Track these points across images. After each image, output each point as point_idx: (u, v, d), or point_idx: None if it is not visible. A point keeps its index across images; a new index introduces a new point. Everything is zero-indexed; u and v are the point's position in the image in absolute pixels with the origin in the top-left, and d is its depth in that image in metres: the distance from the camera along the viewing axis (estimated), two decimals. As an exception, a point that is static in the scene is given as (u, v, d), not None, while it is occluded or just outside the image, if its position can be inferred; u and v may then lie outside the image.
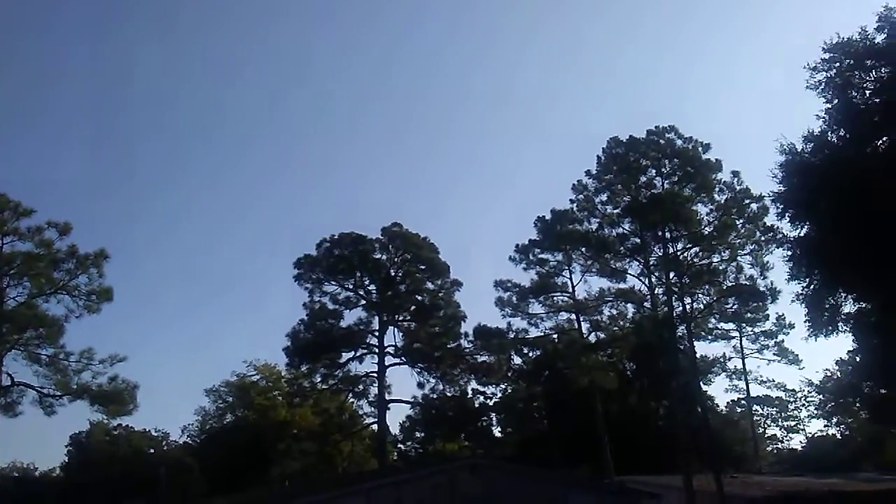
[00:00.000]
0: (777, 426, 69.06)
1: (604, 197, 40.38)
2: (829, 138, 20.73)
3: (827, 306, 21.50)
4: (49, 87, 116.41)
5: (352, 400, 54.90)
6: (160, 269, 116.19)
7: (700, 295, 39.28)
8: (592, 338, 46.67)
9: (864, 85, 20.70)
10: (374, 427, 52.83)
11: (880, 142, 20.33)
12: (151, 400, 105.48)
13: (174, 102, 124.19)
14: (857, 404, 49.48)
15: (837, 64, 20.55)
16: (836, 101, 20.53)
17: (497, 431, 63.86)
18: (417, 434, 65.87)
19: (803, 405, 66.53)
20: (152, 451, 71.18)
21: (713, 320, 41.50)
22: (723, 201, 38.36)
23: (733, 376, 57.20)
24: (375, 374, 51.03)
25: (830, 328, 21.77)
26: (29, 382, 37.22)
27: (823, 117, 20.69)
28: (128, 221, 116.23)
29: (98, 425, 65.64)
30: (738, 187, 38.23)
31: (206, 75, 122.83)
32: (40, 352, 37.23)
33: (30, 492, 62.33)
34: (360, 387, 52.41)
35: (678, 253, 38.49)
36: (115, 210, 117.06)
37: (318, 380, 52.62)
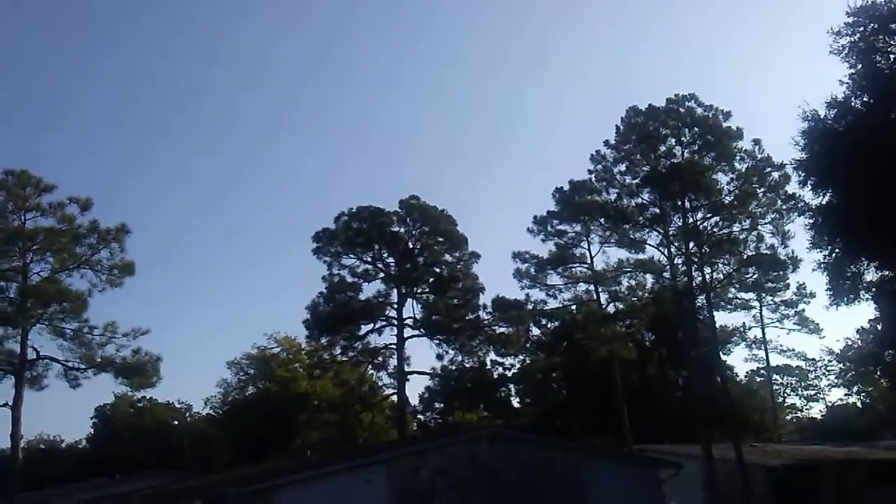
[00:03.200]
0: (797, 395, 69.05)
1: (622, 167, 40.13)
2: (852, 104, 20.41)
3: (849, 274, 21.33)
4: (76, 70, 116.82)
5: (371, 372, 55.33)
6: (182, 243, 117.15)
7: (720, 265, 39.17)
8: (611, 308, 46.70)
9: (889, 49, 20.32)
10: (394, 398, 53.28)
11: (905, 107, 20.01)
12: (174, 372, 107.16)
13: (202, 83, 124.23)
14: (878, 373, 49.24)
15: (861, 28, 20.16)
16: (859, 66, 20.18)
17: (516, 402, 64.29)
18: (437, 405, 66.36)
19: (823, 374, 66.44)
20: (176, 422, 72.30)
21: (733, 290, 41.39)
22: (744, 170, 38.03)
23: (753, 346, 56.97)
24: (395, 346, 51.36)
25: (852, 296, 21.62)
26: (54, 356, 37.91)
27: (847, 83, 20.36)
28: (152, 197, 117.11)
29: (122, 398, 66.79)
30: (759, 155, 37.90)
31: (233, 56, 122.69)
32: (64, 326, 37.86)
33: (56, 463, 63.56)
34: (380, 359, 52.83)
35: (698, 223, 38.29)
36: (140, 187, 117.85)
37: (338, 352, 53.06)
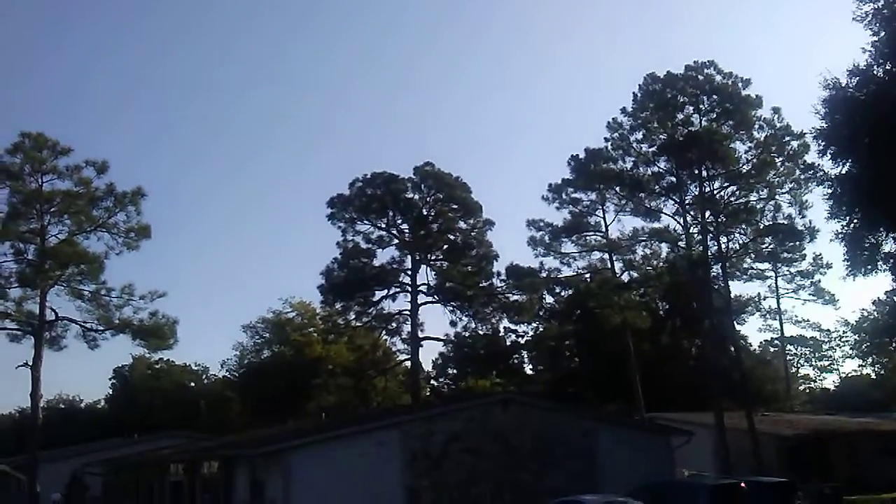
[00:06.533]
0: (811, 366, 68.93)
1: (639, 135, 39.76)
2: (875, 72, 20.07)
3: (866, 245, 21.09)
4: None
5: (385, 337, 55.79)
6: (201, 208, 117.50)
7: (736, 234, 39.02)
8: (625, 277, 46.58)
9: (914, 16, 19.91)
10: (408, 364, 53.68)
11: (929, 76, 19.64)
12: (191, 335, 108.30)
13: (197, 38, 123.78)
14: (893, 344, 49.13)
15: (886, -6, 19.76)
16: (883, 33, 19.80)
17: (528, 369, 64.62)
18: (450, 371, 66.84)
19: (838, 345, 66.20)
20: (193, 384, 73.18)
21: (749, 260, 41.28)
22: (762, 139, 37.65)
23: (768, 316, 56.98)
24: (408, 312, 51.62)
25: (869, 267, 21.40)
26: (72, 317, 38.39)
27: (870, 50, 19.99)
28: (174, 162, 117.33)
29: (140, 359, 67.53)
30: (778, 124, 37.49)
31: (225, 15, 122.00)
32: (82, 287, 38.27)
33: (75, 423, 64.57)
34: (394, 324, 53.14)
35: (714, 191, 38.08)
36: (162, 152, 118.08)
37: (353, 317, 53.38)
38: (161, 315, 38.61)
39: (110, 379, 72.15)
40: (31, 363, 36.87)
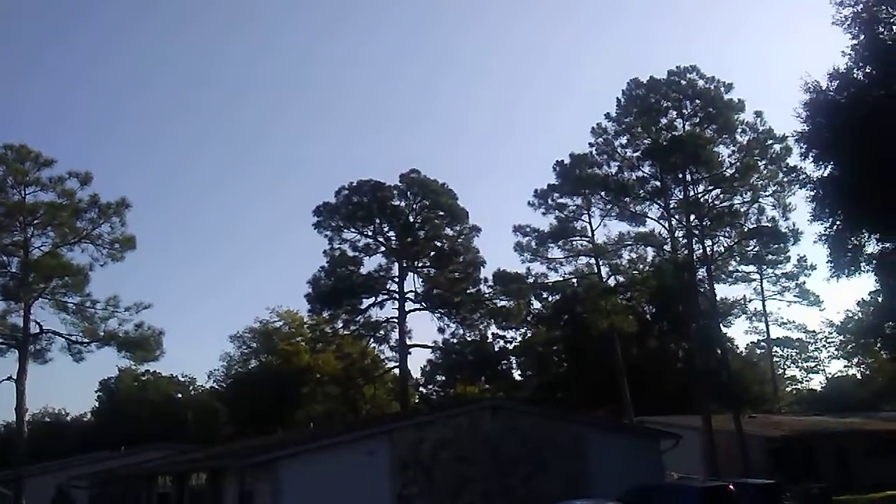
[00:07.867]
0: (797, 367, 69.28)
1: (623, 140, 40.09)
2: (854, 76, 20.29)
3: (849, 246, 21.30)
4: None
5: (373, 345, 55.69)
6: (188, 219, 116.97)
7: (721, 237, 39.31)
8: (612, 282, 46.67)
9: (892, 20, 20.15)
10: (396, 371, 53.61)
11: (908, 79, 19.86)
12: (178, 346, 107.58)
13: (182, 47, 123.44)
14: (879, 345, 49.41)
15: (864, -2, 20.00)
16: (862, 37, 20.03)
17: (517, 375, 64.71)
18: (438, 378, 66.79)
19: (824, 346, 66.58)
20: (180, 395, 72.68)
21: (734, 263, 41.48)
22: (745, 142, 38.02)
23: (753, 318, 56.99)
24: (396, 320, 51.56)
25: (853, 268, 21.61)
26: (57, 330, 38.05)
27: (849, 54, 20.23)
28: (161, 173, 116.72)
29: (126, 371, 67.03)
30: (760, 128, 37.88)
31: (208, 27, 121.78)
32: (67, 300, 37.95)
33: (62, 436, 63.94)
34: (382, 332, 53.03)
35: (699, 195, 38.36)
36: (149, 163, 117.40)
37: (340, 325, 53.23)
38: (146, 327, 38.40)
39: (96, 391, 71.59)
40: (15, 377, 36.52)
